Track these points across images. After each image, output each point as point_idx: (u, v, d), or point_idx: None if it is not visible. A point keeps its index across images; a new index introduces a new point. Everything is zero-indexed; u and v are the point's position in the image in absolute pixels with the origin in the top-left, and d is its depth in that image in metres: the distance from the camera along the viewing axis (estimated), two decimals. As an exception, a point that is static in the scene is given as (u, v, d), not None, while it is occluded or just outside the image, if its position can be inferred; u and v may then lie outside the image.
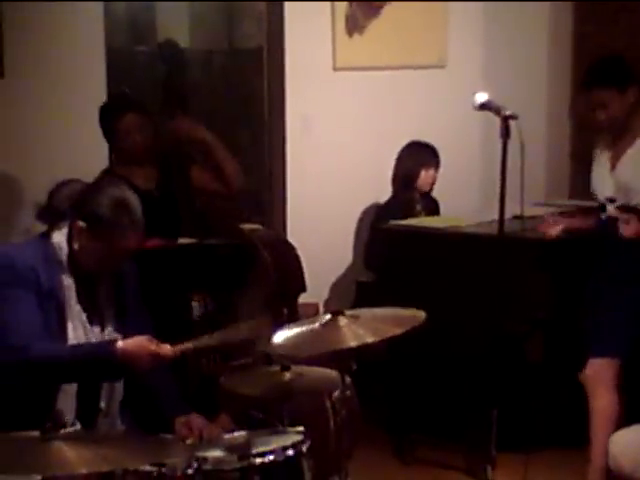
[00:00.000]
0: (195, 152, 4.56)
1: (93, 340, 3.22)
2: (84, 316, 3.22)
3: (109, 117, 4.51)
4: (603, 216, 4.27)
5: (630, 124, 4.21)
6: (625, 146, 4.23)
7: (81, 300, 3.22)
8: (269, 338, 3.19)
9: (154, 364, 3.13)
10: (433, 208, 5.59)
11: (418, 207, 5.50)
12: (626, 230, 4.01)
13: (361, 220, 5.76)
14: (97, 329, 3.25)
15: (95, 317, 3.25)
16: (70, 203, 3.26)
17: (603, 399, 4.20)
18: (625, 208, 4.09)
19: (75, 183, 3.37)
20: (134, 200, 3.21)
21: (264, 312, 4.21)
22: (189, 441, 3.15)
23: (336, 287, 5.70)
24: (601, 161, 4.30)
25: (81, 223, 3.17)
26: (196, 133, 4.55)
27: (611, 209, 4.24)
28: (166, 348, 3.12)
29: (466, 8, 6.03)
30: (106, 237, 3.15)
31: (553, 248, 4.60)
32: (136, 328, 3.25)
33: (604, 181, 4.27)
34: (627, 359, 4.20)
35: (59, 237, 3.23)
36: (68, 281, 3.20)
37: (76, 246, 3.19)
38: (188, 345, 3.17)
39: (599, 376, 4.20)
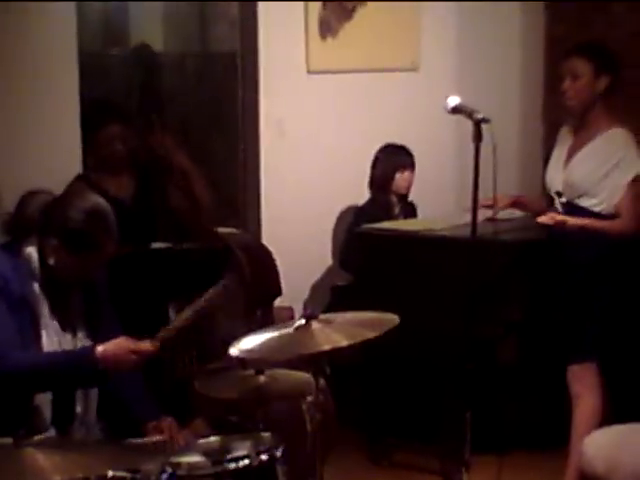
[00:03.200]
0: (171, 174, 4.56)
1: (66, 347, 3.20)
2: (57, 324, 3.20)
3: (92, 125, 4.52)
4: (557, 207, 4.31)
5: (591, 120, 4.23)
6: (581, 144, 4.25)
7: (53, 308, 3.20)
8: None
9: (136, 363, 3.13)
10: (411, 211, 5.59)
11: (396, 210, 5.51)
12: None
13: (338, 223, 5.76)
14: (69, 335, 3.23)
15: (67, 324, 3.24)
16: (38, 216, 3.22)
17: (586, 402, 4.23)
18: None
19: (43, 195, 3.32)
20: (104, 206, 3.19)
21: (239, 316, 4.21)
22: (157, 438, 3.15)
23: (312, 291, 5.70)
24: (558, 153, 4.32)
25: (54, 241, 3.14)
26: (175, 157, 4.56)
27: (557, 204, 4.27)
28: (146, 344, 3.13)
29: (439, 11, 6.04)
30: (83, 250, 3.13)
31: (526, 250, 4.61)
32: (107, 333, 3.24)
33: (556, 174, 4.30)
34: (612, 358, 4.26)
35: (30, 250, 3.20)
36: (40, 290, 3.18)
37: (51, 262, 3.15)
38: (164, 333, 3.17)
39: (581, 380, 4.25)
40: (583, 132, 4.27)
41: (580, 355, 4.24)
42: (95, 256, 3.14)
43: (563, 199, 4.27)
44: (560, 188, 4.28)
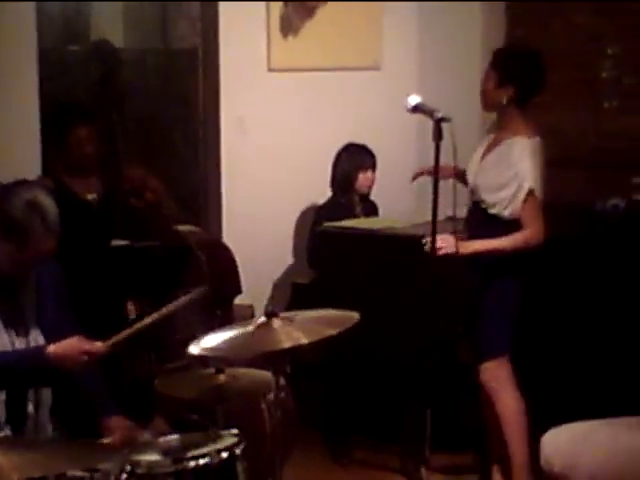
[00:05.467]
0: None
1: (17, 345, 3.18)
2: (6, 321, 3.18)
3: (60, 127, 4.48)
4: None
5: (503, 124, 4.24)
6: (490, 148, 4.24)
7: (3, 306, 3.18)
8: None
9: (87, 363, 3.12)
10: (372, 210, 5.60)
11: (358, 209, 5.50)
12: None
13: (300, 222, 5.76)
14: (22, 334, 3.21)
15: (18, 322, 3.22)
16: None
17: (509, 398, 4.24)
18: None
19: None
20: (49, 204, 3.18)
21: (199, 315, 4.20)
22: (107, 440, 3.14)
23: (274, 289, 5.70)
24: (477, 153, 4.29)
25: None
26: (148, 187, 4.55)
27: (469, 203, 4.28)
28: (98, 345, 3.13)
29: (401, 10, 6.05)
30: (18, 240, 3.12)
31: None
32: (60, 329, 3.23)
33: (469, 174, 4.27)
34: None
35: None
36: None
37: None
38: (119, 337, 3.17)
39: (499, 377, 4.23)
40: (497, 134, 4.27)
41: (493, 351, 4.23)
42: (29, 249, 3.13)
43: (474, 198, 4.26)
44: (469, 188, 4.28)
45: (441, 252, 3.98)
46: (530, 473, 4.23)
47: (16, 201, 3.13)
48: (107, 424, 3.26)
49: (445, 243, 4.03)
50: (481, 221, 4.20)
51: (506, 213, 4.12)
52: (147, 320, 3.24)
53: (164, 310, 3.29)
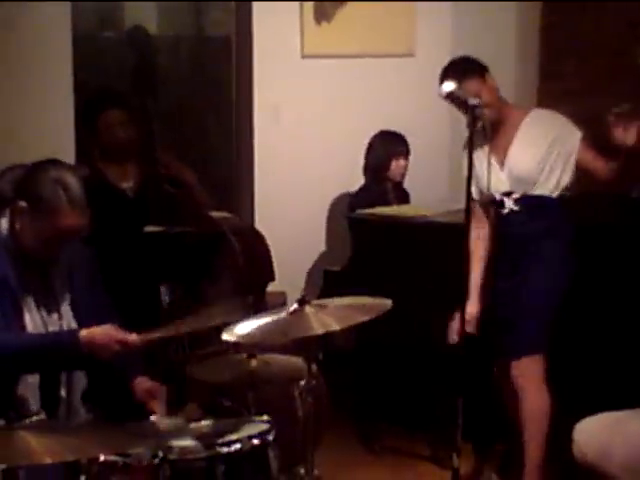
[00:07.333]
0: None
1: (51, 328, 3.20)
2: (38, 302, 3.19)
3: (91, 112, 4.48)
4: (503, 212, 4.16)
5: (503, 117, 4.12)
6: (506, 140, 4.11)
7: (36, 288, 3.20)
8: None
9: (120, 352, 3.12)
10: (404, 198, 5.58)
11: (391, 197, 5.49)
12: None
13: (332, 209, 5.76)
14: (55, 316, 3.23)
15: (51, 304, 3.23)
16: (13, 187, 3.24)
17: (535, 397, 4.11)
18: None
19: (19, 168, 3.35)
20: (74, 180, 3.18)
21: (232, 300, 4.21)
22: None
23: (305, 276, 5.70)
24: (480, 159, 4.05)
25: (22, 203, 3.15)
26: (182, 175, 4.55)
27: (510, 203, 4.15)
28: (132, 336, 3.12)
29: (434, -3, 6.04)
30: (46, 216, 3.13)
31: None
32: (94, 314, 3.24)
33: (495, 177, 4.03)
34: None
35: (5, 224, 3.21)
36: (20, 269, 3.17)
37: (18, 226, 3.17)
38: (155, 334, 3.16)
39: (528, 375, 4.11)
40: (502, 129, 4.12)
41: (531, 348, 4.11)
42: (58, 225, 3.13)
43: (515, 195, 4.12)
44: (506, 188, 4.12)
45: None
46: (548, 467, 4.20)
47: (43, 178, 3.14)
48: (142, 385, 3.29)
49: None
50: (533, 210, 4.12)
51: (564, 181, 4.06)
52: (185, 326, 3.22)
53: (205, 320, 3.25)
